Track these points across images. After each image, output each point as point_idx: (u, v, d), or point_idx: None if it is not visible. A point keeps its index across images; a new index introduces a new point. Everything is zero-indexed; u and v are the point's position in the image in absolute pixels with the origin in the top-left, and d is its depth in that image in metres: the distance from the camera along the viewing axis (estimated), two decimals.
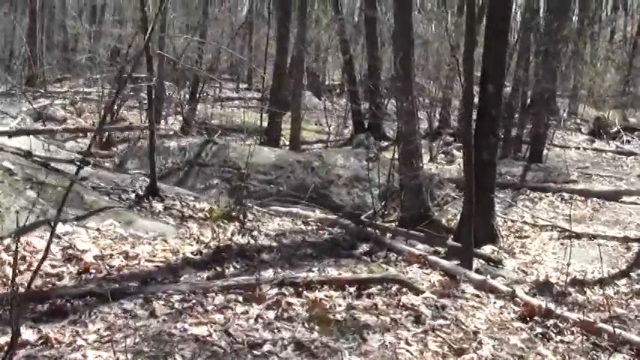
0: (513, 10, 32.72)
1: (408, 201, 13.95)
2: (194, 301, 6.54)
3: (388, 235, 12.72)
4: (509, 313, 7.70)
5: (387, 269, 8.71)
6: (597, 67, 30.80)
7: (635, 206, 15.61)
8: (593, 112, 29.13)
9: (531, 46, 22.21)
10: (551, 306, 7.84)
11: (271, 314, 6.43)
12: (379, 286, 7.60)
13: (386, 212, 15.07)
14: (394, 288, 7.61)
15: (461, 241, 11.38)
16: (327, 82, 37.39)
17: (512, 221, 14.76)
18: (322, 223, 11.37)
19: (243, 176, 15.05)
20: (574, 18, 31.00)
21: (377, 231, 12.60)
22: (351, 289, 7.43)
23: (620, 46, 35.41)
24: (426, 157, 21.73)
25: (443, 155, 21.79)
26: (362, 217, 13.20)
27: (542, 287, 11.26)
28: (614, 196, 16.10)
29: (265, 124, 22.62)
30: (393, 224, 14.14)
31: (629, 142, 24.71)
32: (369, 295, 7.33)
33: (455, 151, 21.73)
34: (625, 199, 15.98)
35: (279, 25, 23.07)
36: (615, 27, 40.63)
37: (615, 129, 25.69)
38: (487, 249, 13.07)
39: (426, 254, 9.86)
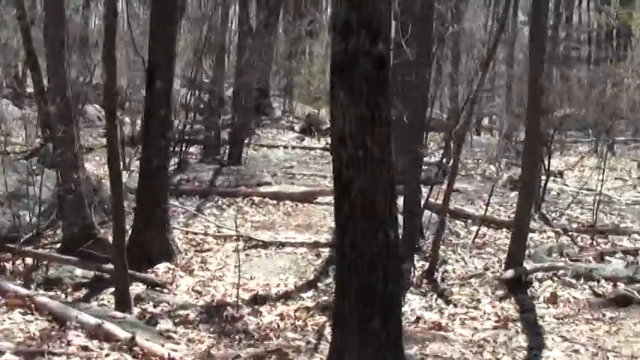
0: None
1: (68, 218, 11.87)
2: None
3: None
4: None
5: None
6: (311, 65, 30.15)
7: (330, 207, 14.32)
8: (307, 110, 28.29)
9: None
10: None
11: None
12: None
13: (51, 232, 12.95)
14: None
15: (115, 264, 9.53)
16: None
17: (195, 233, 13.04)
18: None
19: None
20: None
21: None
22: None
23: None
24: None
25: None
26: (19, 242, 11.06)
27: (213, 311, 9.72)
28: (308, 198, 14.76)
29: None
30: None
31: None
32: None
33: None
34: (320, 199, 14.67)
35: None
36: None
37: (327, 126, 24.83)
38: (162, 267, 11.46)
39: (35, 294, 7.78)
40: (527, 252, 11.90)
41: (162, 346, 7.06)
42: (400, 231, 12.45)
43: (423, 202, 12.22)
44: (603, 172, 14.52)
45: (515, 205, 15.39)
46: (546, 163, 15.42)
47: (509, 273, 10.14)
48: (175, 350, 6.35)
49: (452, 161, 11.33)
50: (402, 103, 13.05)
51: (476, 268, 11.36)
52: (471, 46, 24.26)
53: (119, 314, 8.10)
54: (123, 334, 6.56)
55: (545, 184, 15.31)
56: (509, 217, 14.53)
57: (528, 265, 10.56)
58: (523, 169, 10.44)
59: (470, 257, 11.92)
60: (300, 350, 7.87)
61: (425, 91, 12.25)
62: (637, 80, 21.81)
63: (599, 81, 21.02)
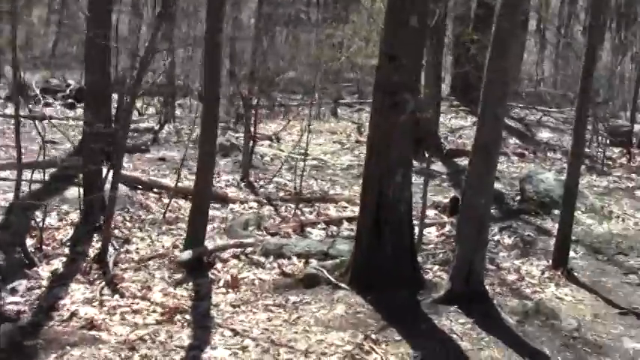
0: None
1: None
2: None
3: None
4: None
5: None
6: None
7: None
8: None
9: None
10: None
11: None
12: None
13: None
14: None
15: None
16: None
17: None
18: None
19: None
20: None
21: None
22: None
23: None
24: None
25: None
26: None
27: None
28: None
29: None
30: None
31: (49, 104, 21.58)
32: None
33: None
34: None
35: None
36: None
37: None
38: None
39: None
40: (224, 226, 10.83)
41: None
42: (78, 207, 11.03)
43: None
44: (308, 136, 13.63)
45: (221, 173, 14.38)
46: (252, 127, 14.32)
47: (186, 254, 8.85)
48: None
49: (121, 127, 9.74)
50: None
51: (163, 246, 9.99)
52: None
53: None
54: None
55: (252, 150, 14.26)
56: (214, 186, 13.37)
57: (210, 243, 9.35)
58: (202, 133, 9.10)
59: (158, 235, 10.51)
60: None
61: (103, 52, 10.62)
62: (359, 42, 21.36)
63: (322, 43, 20.37)
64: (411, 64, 7.74)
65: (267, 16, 22.55)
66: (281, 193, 13.11)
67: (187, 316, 7.48)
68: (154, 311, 7.63)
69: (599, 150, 16.84)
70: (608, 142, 17.60)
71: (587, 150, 17.31)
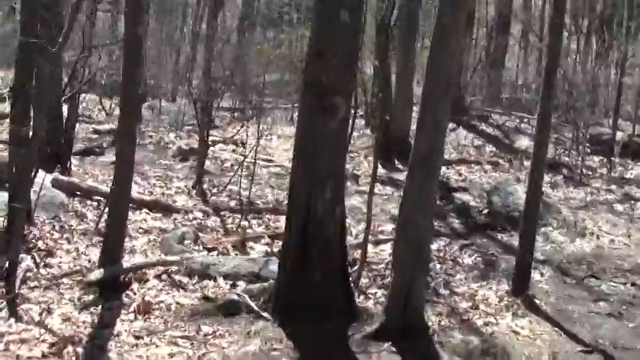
0: None
1: None
2: None
3: None
4: None
5: None
6: None
7: None
8: None
9: None
10: None
11: None
12: None
13: None
14: None
15: None
16: None
17: None
18: None
19: None
20: None
21: None
22: None
23: None
24: None
25: None
26: None
27: None
28: None
29: None
30: None
31: None
32: None
33: None
34: None
35: None
36: None
37: None
38: None
39: None
40: (161, 239, 9.86)
41: None
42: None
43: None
44: (258, 141, 12.63)
45: (174, 179, 13.47)
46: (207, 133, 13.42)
47: (97, 274, 7.87)
48: None
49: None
50: None
51: (89, 260, 8.99)
52: None
53: None
54: None
55: (204, 156, 13.30)
56: (163, 194, 12.44)
57: (128, 261, 8.36)
58: (119, 139, 8.14)
59: (87, 246, 9.51)
60: None
61: (29, 50, 9.56)
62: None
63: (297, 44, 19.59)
64: (341, 63, 6.78)
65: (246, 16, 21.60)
66: (232, 203, 12.12)
67: (79, 349, 6.49)
68: (44, 341, 6.64)
69: (578, 159, 15.84)
70: (588, 150, 16.62)
71: (565, 159, 16.49)
